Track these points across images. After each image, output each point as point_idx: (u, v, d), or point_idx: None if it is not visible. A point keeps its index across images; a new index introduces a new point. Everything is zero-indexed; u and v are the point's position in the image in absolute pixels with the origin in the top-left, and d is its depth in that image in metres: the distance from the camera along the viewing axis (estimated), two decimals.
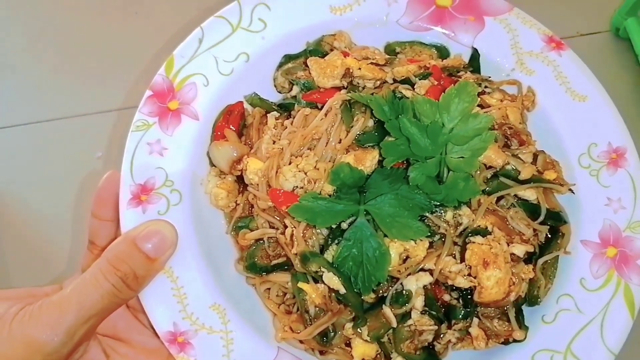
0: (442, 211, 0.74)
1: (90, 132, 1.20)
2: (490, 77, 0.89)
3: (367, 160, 0.74)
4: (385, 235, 0.72)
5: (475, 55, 0.90)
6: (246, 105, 0.88)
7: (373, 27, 0.92)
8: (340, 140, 0.77)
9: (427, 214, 0.73)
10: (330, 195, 0.74)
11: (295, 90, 0.87)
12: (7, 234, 1.11)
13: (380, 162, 0.74)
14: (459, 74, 0.86)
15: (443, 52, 0.92)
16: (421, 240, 0.72)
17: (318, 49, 0.89)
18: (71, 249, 1.09)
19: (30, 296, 0.75)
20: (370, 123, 0.77)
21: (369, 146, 0.76)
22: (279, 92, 0.91)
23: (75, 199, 1.13)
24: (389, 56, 0.88)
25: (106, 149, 1.17)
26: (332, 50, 0.89)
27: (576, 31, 1.29)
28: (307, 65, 0.86)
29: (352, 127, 0.77)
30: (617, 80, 1.23)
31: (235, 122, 0.85)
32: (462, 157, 0.72)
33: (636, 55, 1.20)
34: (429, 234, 0.72)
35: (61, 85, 1.25)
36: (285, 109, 0.86)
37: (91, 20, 1.30)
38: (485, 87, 0.86)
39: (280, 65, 0.90)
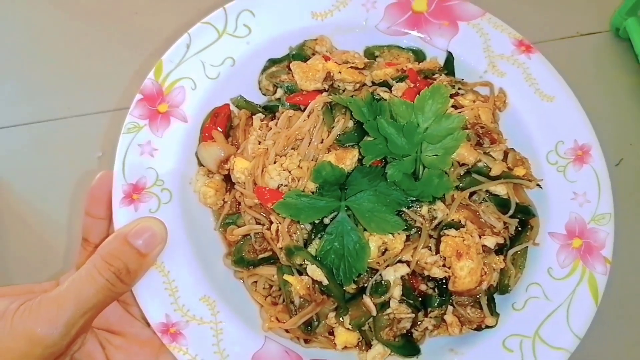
0: (418, 206, 0.78)
1: (90, 132, 1.20)
2: (463, 79, 0.94)
3: (348, 159, 0.78)
4: (365, 229, 0.76)
5: (449, 59, 0.94)
6: (232, 108, 0.92)
7: (353, 32, 0.96)
8: (322, 140, 0.81)
9: (404, 209, 0.77)
10: (313, 192, 0.78)
11: (279, 93, 0.91)
12: (7, 233, 1.12)
13: (360, 161, 0.78)
14: (434, 76, 0.91)
15: (419, 56, 0.96)
16: (398, 233, 0.77)
17: (300, 53, 0.93)
18: (68, 247, 1.10)
19: (29, 292, 0.78)
20: (350, 124, 0.81)
21: (349, 145, 0.80)
22: (264, 95, 0.95)
23: (75, 198, 1.14)
24: (368, 60, 0.92)
25: (106, 149, 1.17)
26: (314, 54, 0.93)
27: (576, 31, 1.28)
28: (290, 69, 0.89)
29: (333, 127, 0.81)
30: (617, 80, 1.23)
31: (222, 123, 0.89)
32: (436, 155, 0.77)
33: (636, 55, 1.20)
34: (406, 227, 0.77)
35: (61, 85, 1.24)
36: (270, 110, 0.90)
37: (91, 20, 1.30)
38: (459, 88, 0.91)
39: (265, 68, 0.94)
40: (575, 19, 1.29)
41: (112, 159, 1.15)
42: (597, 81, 1.23)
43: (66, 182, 1.15)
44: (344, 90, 0.87)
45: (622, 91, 1.23)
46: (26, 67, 1.26)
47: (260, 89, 0.95)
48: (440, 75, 0.91)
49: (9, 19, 1.31)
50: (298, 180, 0.79)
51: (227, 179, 0.87)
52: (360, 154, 0.78)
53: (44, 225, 1.13)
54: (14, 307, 0.67)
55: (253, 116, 0.89)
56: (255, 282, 0.84)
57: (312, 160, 0.81)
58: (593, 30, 1.28)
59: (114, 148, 1.16)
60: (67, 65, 1.26)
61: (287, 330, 0.81)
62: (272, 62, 0.94)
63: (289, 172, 0.79)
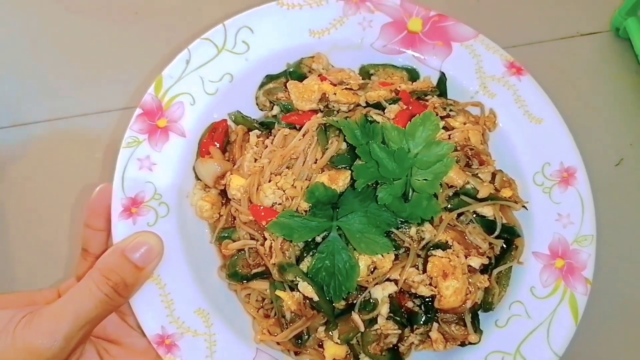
0: (407, 227, 0.81)
1: (90, 132, 1.20)
2: (455, 99, 0.96)
3: (340, 180, 0.81)
4: (355, 249, 0.79)
5: (442, 79, 0.97)
6: (230, 123, 0.94)
7: (349, 50, 0.98)
8: (316, 160, 0.84)
9: (393, 230, 0.80)
10: (306, 212, 0.81)
11: (276, 110, 0.93)
12: (8, 231, 1.13)
13: (352, 182, 0.81)
14: (426, 97, 0.93)
15: (413, 74, 0.98)
16: (387, 253, 0.80)
17: (297, 71, 0.95)
18: (69, 252, 1.11)
19: (30, 301, 0.81)
20: (344, 146, 0.84)
21: (341, 167, 0.83)
22: (261, 110, 0.97)
23: (75, 199, 1.15)
24: (362, 80, 0.95)
25: (106, 149, 1.18)
26: (310, 71, 0.96)
27: (576, 31, 1.29)
28: (287, 87, 0.92)
29: (327, 149, 0.84)
30: (617, 80, 1.24)
31: (219, 139, 0.91)
32: (425, 180, 0.80)
33: (636, 55, 1.21)
34: (395, 247, 0.80)
35: (61, 85, 1.24)
36: (267, 127, 0.93)
37: (91, 20, 1.30)
38: (450, 110, 0.93)
39: (262, 85, 0.96)
40: (575, 19, 1.30)
41: (111, 159, 1.14)
42: (597, 81, 1.25)
43: (66, 182, 1.16)
44: (338, 111, 0.90)
45: (622, 91, 1.24)
46: (26, 68, 1.27)
47: (257, 104, 0.97)
48: (433, 96, 0.94)
49: (8, 19, 1.31)
50: (292, 199, 0.81)
51: (223, 193, 0.89)
52: (352, 176, 0.80)
53: (43, 226, 1.13)
54: (15, 320, 0.69)
55: (250, 132, 0.92)
56: (249, 295, 0.87)
57: (305, 179, 0.83)
58: (593, 30, 1.29)
59: (113, 148, 1.15)
60: (67, 65, 1.26)
61: (278, 343, 0.84)
62: (270, 78, 0.96)
63: (283, 191, 0.82)
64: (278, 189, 0.82)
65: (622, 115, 1.21)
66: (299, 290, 0.80)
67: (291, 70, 0.95)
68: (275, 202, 0.82)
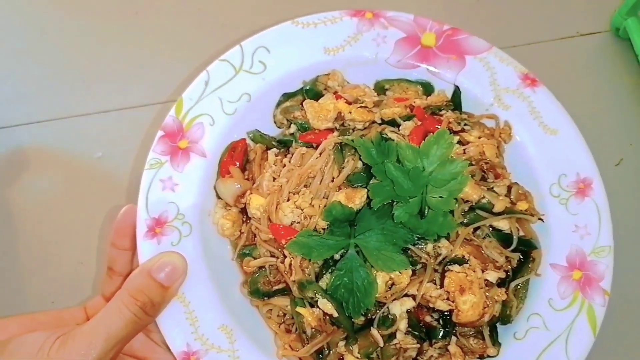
0: (424, 244, 0.83)
1: (90, 132, 1.21)
2: (470, 112, 0.98)
3: (357, 198, 0.82)
4: (372, 266, 0.81)
5: (457, 92, 0.98)
6: (249, 141, 0.96)
7: (364, 66, 1.00)
8: (333, 179, 0.86)
9: (410, 246, 0.82)
10: (324, 229, 0.83)
11: (293, 128, 0.95)
12: (7, 233, 1.14)
13: (368, 200, 0.83)
14: (440, 112, 0.95)
15: (428, 88, 1.00)
16: (404, 270, 0.81)
17: (313, 88, 0.97)
18: (72, 253, 1.12)
19: (58, 319, 0.85)
20: (360, 164, 0.86)
21: (358, 186, 0.84)
22: (279, 128, 0.99)
23: (74, 200, 1.15)
24: (377, 96, 0.96)
25: (106, 149, 1.19)
26: (326, 89, 0.98)
27: (576, 31, 1.28)
28: (303, 106, 0.94)
29: (343, 167, 0.86)
30: (617, 80, 1.23)
31: (239, 157, 0.94)
32: (440, 197, 0.81)
33: (636, 55, 1.20)
34: (411, 264, 0.81)
35: (61, 85, 1.25)
36: (284, 144, 0.95)
37: (91, 20, 1.31)
38: (465, 124, 0.94)
39: (279, 103, 0.98)
40: (575, 19, 1.30)
41: (112, 159, 1.16)
42: (597, 81, 1.24)
43: (66, 182, 1.17)
44: (353, 129, 0.91)
45: (622, 91, 1.23)
46: (26, 67, 1.27)
47: (275, 122, 0.99)
48: (447, 111, 0.95)
49: (8, 19, 1.32)
50: (310, 218, 0.83)
51: (244, 211, 0.92)
52: (367, 195, 0.82)
53: (44, 225, 1.15)
54: (50, 342, 0.73)
55: (268, 150, 0.94)
56: (270, 310, 0.89)
57: (323, 197, 0.85)
58: (593, 30, 1.29)
59: (113, 148, 1.17)
60: (66, 65, 1.27)
61: (300, 358, 0.86)
62: (287, 96, 0.98)
63: (302, 209, 0.84)
64: (296, 207, 0.84)
65: (622, 115, 1.21)
66: (318, 307, 0.82)
67: (307, 88, 0.97)
68: (294, 221, 0.84)
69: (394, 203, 0.81)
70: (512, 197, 0.90)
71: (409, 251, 0.82)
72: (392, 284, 0.82)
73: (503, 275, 0.85)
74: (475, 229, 0.87)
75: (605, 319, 0.86)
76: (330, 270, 0.82)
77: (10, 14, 1.33)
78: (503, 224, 0.87)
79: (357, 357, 0.84)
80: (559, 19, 1.30)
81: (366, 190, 0.83)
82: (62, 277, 1.11)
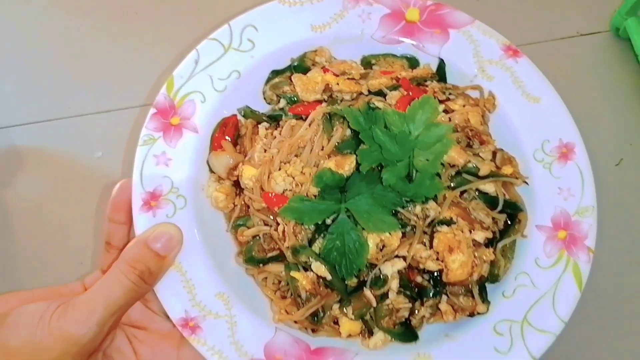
0: (412, 206, 0.85)
1: (90, 132, 1.21)
2: (455, 84, 1.00)
3: (346, 165, 0.85)
4: (364, 229, 0.83)
5: (441, 65, 1.00)
6: (239, 117, 0.98)
7: (350, 42, 1.02)
8: (323, 147, 0.88)
9: (399, 209, 0.84)
10: (315, 196, 0.85)
11: (283, 102, 0.98)
12: (6, 234, 1.16)
13: (357, 166, 0.85)
14: (425, 83, 0.97)
15: (413, 62, 1.02)
16: (395, 231, 0.84)
17: (301, 64, 0.99)
18: (72, 253, 1.13)
19: (58, 294, 0.86)
20: (348, 132, 0.88)
21: (347, 152, 0.87)
22: (268, 104, 1.02)
23: (74, 200, 1.17)
24: (364, 69, 0.99)
25: (106, 149, 1.20)
26: (314, 65, 1.00)
27: (576, 31, 1.29)
28: (292, 81, 0.96)
29: (332, 136, 0.88)
30: (617, 80, 1.24)
31: (230, 133, 0.96)
32: (427, 160, 0.84)
33: (636, 55, 1.21)
34: (401, 226, 0.84)
35: (61, 85, 1.25)
36: (274, 119, 0.97)
37: (91, 20, 1.32)
38: (450, 94, 0.97)
39: (268, 80, 1.00)
40: (575, 19, 1.31)
41: (112, 159, 1.17)
42: (597, 81, 1.26)
43: (66, 182, 1.18)
44: (342, 100, 0.94)
45: (622, 91, 1.24)
46: (26, 67, 1.28)
47: (265, 98, 1.01)
48: (432, 82, 0.97)
49: (8, 18, 1.33)
50: (301, 185, 0.86)
51: (237, 184, 0.94)
52: (357, 160, 0.84)
53: (44, 226, 1.17)
54: (50, 310, 0.74)
55: (259, 125, 0.96)
56: (265, 278, 0.91)
57: (313, 166, 0.87)
58: (593, 30, 1.30)
59: (113, 148, 1.18)
60: (67, 65, 1.28)
61: (295, 321, 0.88)
62: (275, 73, 1.00)
63: (293, 177, 0.86)
64: (288, 176, 0.86)
65: (622, 115, 1.23)
66: (312, 271, 0.84)
67: (295, 64, 1.00)
68: (286, 189, 0.87)
69: (383, 168, 0.84)
70: (497, 162, 0.92)
71: (399, 214, 0.85)
72: (383, 246, 0.84)
73: (490, 235, 0.87)
74: (462, 193, 0.89)
75: (590, 276, 0.88)
76: (322, 235, 0.84)
77: (9, 14, 1.34)
78: (489, 187, 0.89)
79: (351, 319, 0.86)
80: (559, 19, 1.31)
81: (355, 156, 0.85)
82: (61, 278, 1.12)
